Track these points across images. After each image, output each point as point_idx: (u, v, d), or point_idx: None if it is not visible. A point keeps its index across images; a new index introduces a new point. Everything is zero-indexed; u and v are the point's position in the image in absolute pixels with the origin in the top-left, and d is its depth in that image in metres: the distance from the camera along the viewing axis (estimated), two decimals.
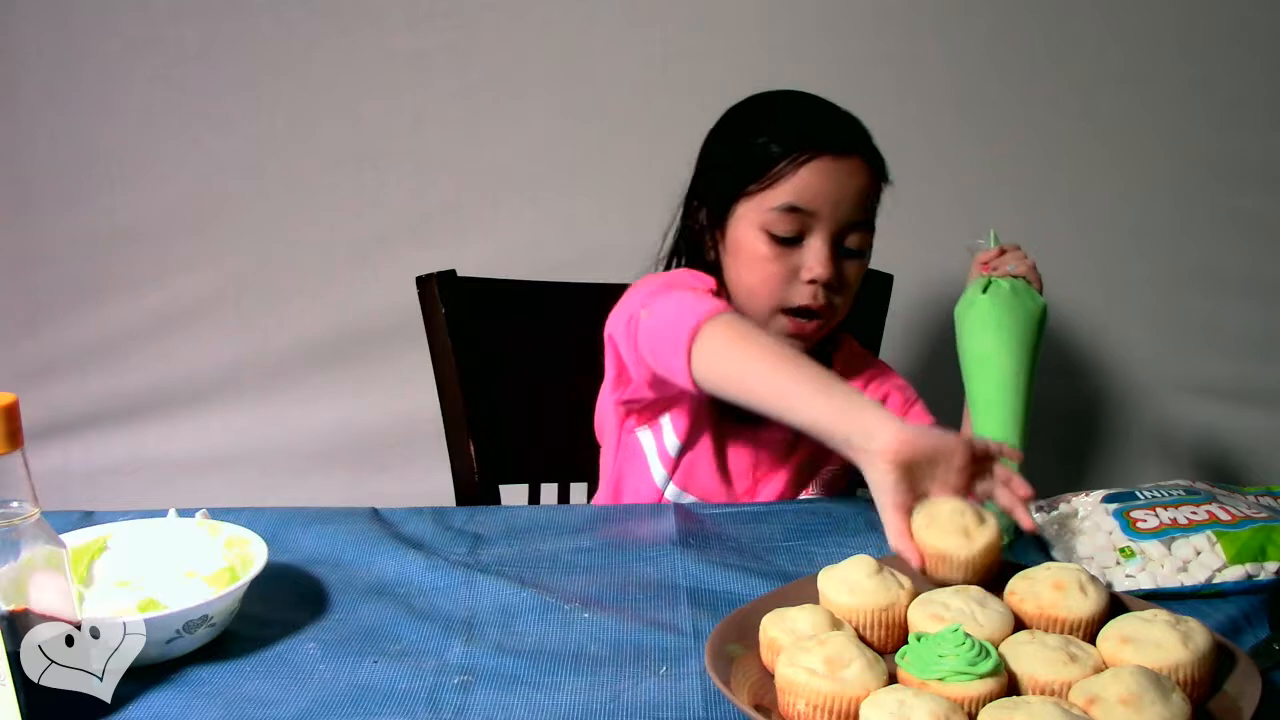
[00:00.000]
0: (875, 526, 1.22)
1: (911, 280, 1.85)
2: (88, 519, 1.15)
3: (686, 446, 1.38)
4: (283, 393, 2.00)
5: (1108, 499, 1.14)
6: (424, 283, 1.59)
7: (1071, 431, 2.00)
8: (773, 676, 0.87)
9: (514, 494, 1.62)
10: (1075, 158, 1.91)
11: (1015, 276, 1.26)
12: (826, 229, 1.28)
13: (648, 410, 1.39)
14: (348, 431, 2.01)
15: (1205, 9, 1.85)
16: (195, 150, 1.92)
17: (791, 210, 1.28)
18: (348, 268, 1.96)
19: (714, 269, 1.36)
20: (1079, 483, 1.22)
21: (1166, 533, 1.08)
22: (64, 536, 0.89)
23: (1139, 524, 1.10)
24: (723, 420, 1.38)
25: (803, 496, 1.43)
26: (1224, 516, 1.09)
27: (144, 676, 0.91)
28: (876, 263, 1.59)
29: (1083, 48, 1.87)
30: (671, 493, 1.39)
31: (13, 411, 0.79)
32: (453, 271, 1.60)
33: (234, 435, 2.02)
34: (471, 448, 1.57)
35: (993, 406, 1.20)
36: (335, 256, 1.96)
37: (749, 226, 1.30)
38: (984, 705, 0.81)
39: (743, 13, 1.86)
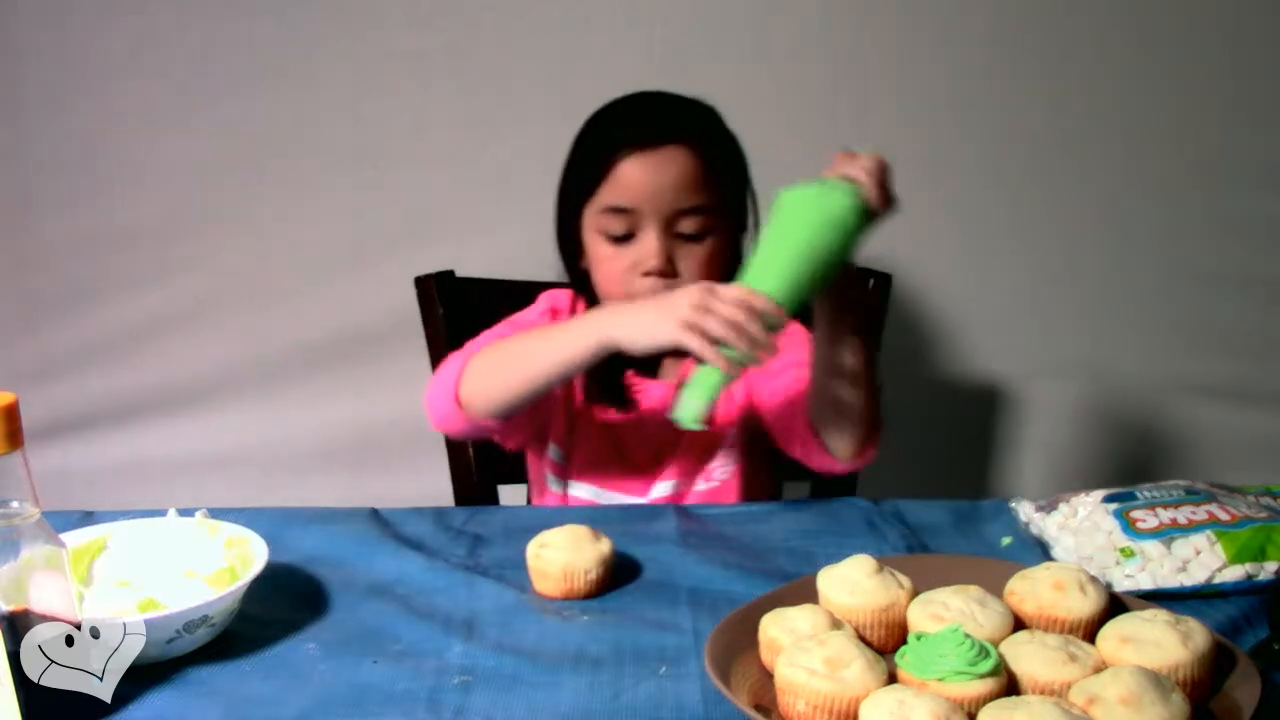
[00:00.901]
0: (875, 527, 1.22)
1: (911, 280, 1.85)
2: (88, 519, 1.15)
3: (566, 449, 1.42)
4: (283, 393, 2.00)
5: (1108, 499, 1.14)
6: (423, 283, 1.59)
7: (1072, 431, 2.00)
8: (773, 676, 0.87)
9: (514, 494, 1.62)
10: (1074, 157, 1.91)
11: (851, 180, 1.16)
12: (653, 221, 1.31)
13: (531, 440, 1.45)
14: (348, 431, 2.01)
15: (1205, 9, 1.85)
16: (195, 150, 1.92)
17: (615, 210, 1.32)
18: (348, 268, 1.96)
19: (585, 276, 1.40)
20: (1079, 483, 1.22)
21: (1166, 533, 1.08)
22: (64, 536, 0.89)
23: (1139, 524, 1.10)
24: (601, 405, 1.41)
25: (715, 467, 1.41)
26: (1224, 516, 1.09)
27: (144, 676, 0.91)
28: (876, 262, 1.60)
29: (1082, 48, 1.87)
30: (580, 490, 1.42)
31: (13, 411, 0.79)
32: (451, 272, 1.60)
33: (234, 435, 2.02)
34: (471, 448, 1.57)
35: (763, 273, 1.15)
36: (335, 256, 1.95)
37: (591, 231, 1.35)
38: (984, 705, 0.81)
39: (743, 13, 1.86)
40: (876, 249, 1.47)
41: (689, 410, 1.10)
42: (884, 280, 1.62)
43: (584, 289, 1.41)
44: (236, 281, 1.97)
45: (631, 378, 1.41)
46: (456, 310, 1.58)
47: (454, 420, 1.30)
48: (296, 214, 1.95)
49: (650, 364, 1.42)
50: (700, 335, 1.10)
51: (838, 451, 1.28)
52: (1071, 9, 1.86)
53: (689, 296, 1.11)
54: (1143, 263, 1.94)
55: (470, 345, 1.36)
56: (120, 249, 1.96)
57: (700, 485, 1.41)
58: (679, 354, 1.41)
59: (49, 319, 1.98)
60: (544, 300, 1.47)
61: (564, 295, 1.45)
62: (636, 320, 1.17)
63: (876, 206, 1.16)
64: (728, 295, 1.10)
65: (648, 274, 1.32)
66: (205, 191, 1.94)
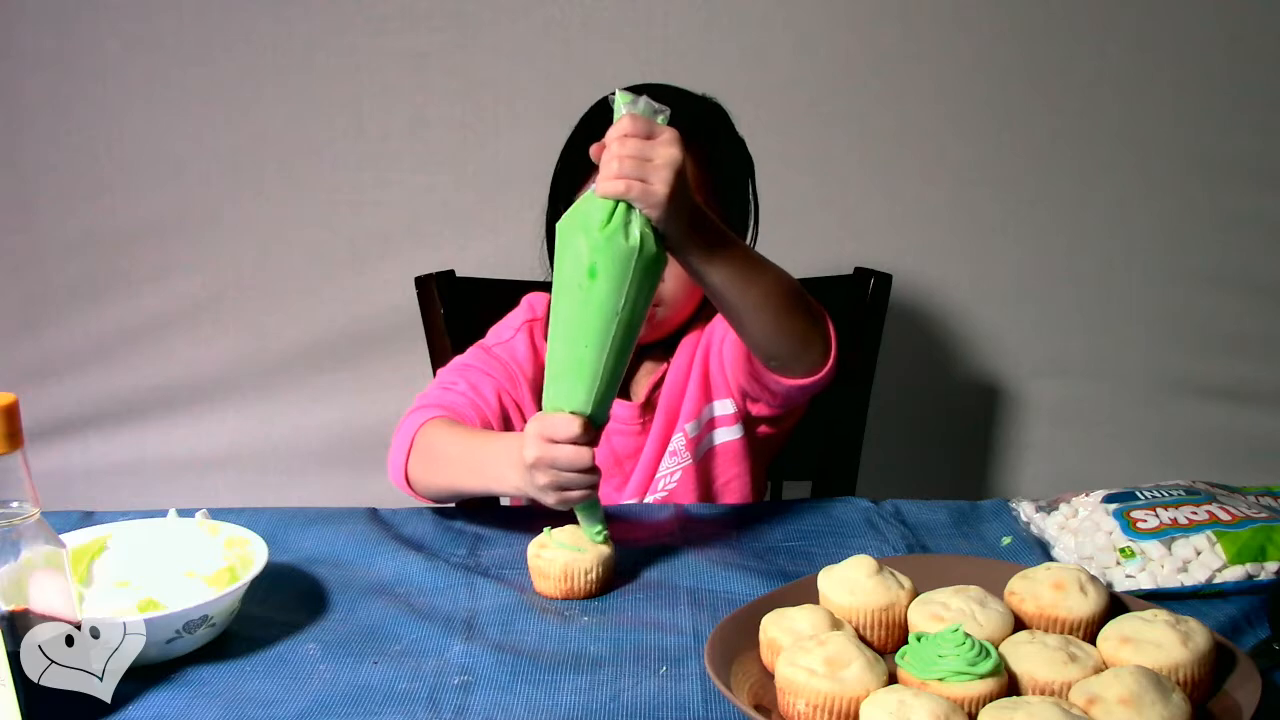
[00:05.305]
0: (875, 527, 1.22)
1: (911, 280, 1.85)
2: (88, 519, 1.15)
3: None
4: (283, 393, 2.00)
5: (1108, 499, 1.14)
6: (423, 283, 1.59)
7: (1071, 431, 2.00)
8: (773, 676, 0.87)
9: None
10: (1075, 157, 1.91)
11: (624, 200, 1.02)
12: None
13: None
14: (348, 431, 2.01)
15: (1205, 9, 1.85)
16: (195, 150, 1.92)
17: None
18: (348, 268, 1.96)
19: None
20: (1079, 483, 1.22)
21: (1166, 533, 1.08)
22: (64, 536, 0.89)
23: (1139, 524, 1.10)
24: None
25: (670, 457, 1.38)
26: (1224, 516, 1.09)
27: (144, 676, 0.91)
28: (876, 262, 1.60)
29: (1083, 48, 1.87)
30: None
31: (13, 411, 0.79)
32: (451, 271, 1.60)
33: (234, 435, 2.02)
34: None
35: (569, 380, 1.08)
36: (335, 256, 1.96)
37: None
38: (984, 705, 0.81)
39: (743, 14, 1.86)
40: (877, 249, 1.48)
41: (595, 537, 1.11)
42: (884, 280, 1.63)
43: None
44: (236, 281, 1.97)
45: None
46: (456, 310, 1.58)
47: (408, 493, 1.27)
48: (296, 214, 1.95)
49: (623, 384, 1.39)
50: (557, 494, 1.08)
51: (792, 372, 1.22)
52: (1072, 9, 1.86)
53: (530, 459, 1.07)
54: (1143, 263, 1.94)
55: (429, 392, 1.33)
56: (120, 249, 1.96)
57: (649, 498, 1.38)
58: (657, 359, 1.40)
59: (49, 319, 1.99)
60: (524, 305, 1.44)
61: (542, 299, 1.43)
62: (521, 482, 1.11)
63: (657, 222, 1.03)
64: (562, 455, 1.06)
65: None
66: (205, 191, 1.94)
